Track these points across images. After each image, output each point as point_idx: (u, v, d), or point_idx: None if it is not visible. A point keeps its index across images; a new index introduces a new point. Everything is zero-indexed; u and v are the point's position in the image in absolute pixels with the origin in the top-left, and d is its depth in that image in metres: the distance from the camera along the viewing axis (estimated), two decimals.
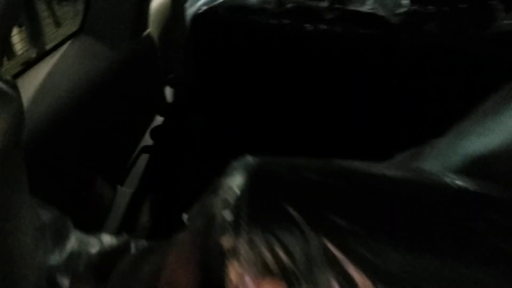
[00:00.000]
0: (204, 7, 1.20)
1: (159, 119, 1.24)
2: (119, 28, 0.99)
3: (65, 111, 0.86)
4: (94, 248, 0.46)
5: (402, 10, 1.17)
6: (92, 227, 0.93)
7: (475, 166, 0.40)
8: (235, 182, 0.35)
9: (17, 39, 3.00)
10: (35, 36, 2.99)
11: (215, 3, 1.20)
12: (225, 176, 0.37)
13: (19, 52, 3.07)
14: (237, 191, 0.35)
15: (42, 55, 1.00)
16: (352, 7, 1.21)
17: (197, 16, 1.21)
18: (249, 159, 0.36)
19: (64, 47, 0.98)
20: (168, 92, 1.44)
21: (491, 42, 1.16)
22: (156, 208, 1.04)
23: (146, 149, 1.12)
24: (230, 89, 1.32)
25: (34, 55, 2.86)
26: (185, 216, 0.44)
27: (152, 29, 1.23)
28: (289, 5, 1.20)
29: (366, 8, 1.23)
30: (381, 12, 1.20)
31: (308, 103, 1.26)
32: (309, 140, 1.34)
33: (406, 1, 1.16)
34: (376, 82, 1.19)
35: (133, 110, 1.11)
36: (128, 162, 1.06)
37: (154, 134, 1.17)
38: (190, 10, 1.24)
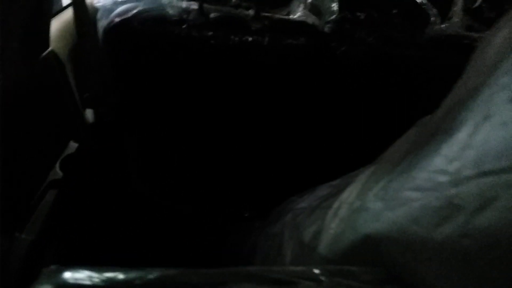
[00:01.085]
0: (117, 19, 1.07)
1: (73, 147, 1.11)
2: (10, 52, 0.85)
3: None
4: None
5: (332, 17, 1.09)
6: None
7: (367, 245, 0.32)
8: None
9: None
10: None
11: (129, 14, 1.07)
12: None
13: None
14: None
15: None
16: (280, 16, 1.13)
17: (110, 29, 1.08)
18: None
19: None
20: (89, 113, 1.30)
21: (426, 47, 1.11)
22: (61, 261, 0.90)
23: (53, 184, 0.98)
24: (154, 103, 1.20)
25: None
26: None
27: (59, 47, 1.09)
28: (213, 15, 1.09)
29: (296, 16, 1.14)
30: (311, 20, 1.13)
31: (236, 116, 1.17)
32: (238, 151, 1.26)
33: (336, 8, 1.09)
34: (307, 95, 1.12)
35: (36, 140, 0.97)
36: (30, 203, 0.92)
37: (65, 164, 1.03)
38: (102, 23, 1.10)
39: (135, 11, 1.07)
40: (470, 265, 0.23)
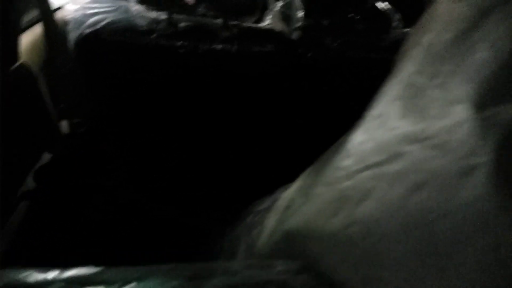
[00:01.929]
0: (88, 30, 1.09)
1: (47, 157, 1.12)
2: None
3: None
4: None
5: (298, 24, 1.13)
6: None
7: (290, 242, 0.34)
8: None
9: None
10: None
11: (99, 25, 1.09)
12: None
13: None
14: None
15: None
16: (249, 24, 1.15)
17: (81, 41, 1.10)
18: None
19: None
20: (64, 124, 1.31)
21: (389, 51, 1.14)
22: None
23: (25, 195, 0.99)
24: (126, 112, 1.22)
25: None
26: None
27: (32, 60, 1.11)
28: (182, 25, 1.12)
29: (264, 23, 1.17)
30: (279, 27, 1.15)
31: (207, 121, 1.19)
32: (210, 152, 1.27)
33: (301, 15, 1.12)
34: (276, 100, 1.14)
35: (8, 151, 0.98)
36: (2, 214, 0.92)
37: (39, 175, 1.04)
38: (73, 35, 1.12)
39: (105, 22, 1.09)
40: (355, 250, 0.25)
